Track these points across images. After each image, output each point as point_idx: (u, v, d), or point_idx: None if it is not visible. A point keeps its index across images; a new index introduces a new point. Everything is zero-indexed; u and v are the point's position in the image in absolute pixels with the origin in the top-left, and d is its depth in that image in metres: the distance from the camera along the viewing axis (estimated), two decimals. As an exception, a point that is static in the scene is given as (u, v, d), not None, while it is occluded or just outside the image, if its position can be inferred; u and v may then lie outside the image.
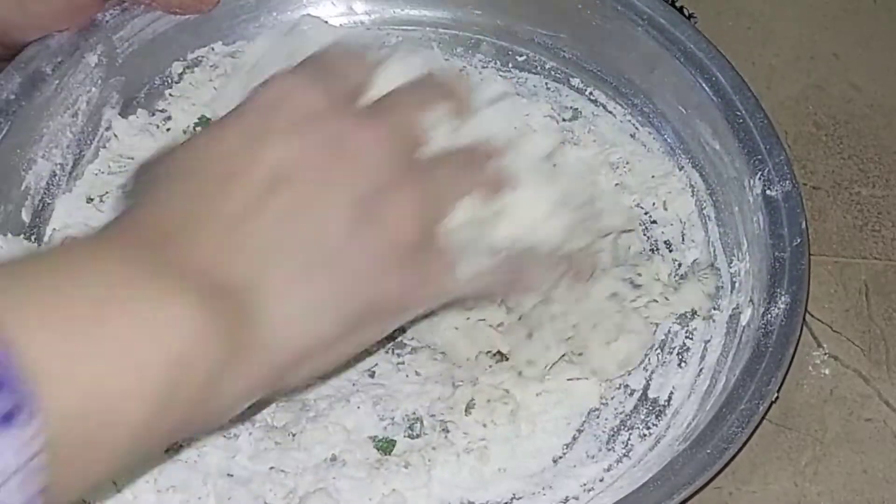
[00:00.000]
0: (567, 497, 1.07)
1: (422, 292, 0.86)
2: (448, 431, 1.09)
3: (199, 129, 1.25)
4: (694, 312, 1.15)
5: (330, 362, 0.83)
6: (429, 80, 0.89)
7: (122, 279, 0.69)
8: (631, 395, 1.13)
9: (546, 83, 1.30)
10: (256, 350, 0.73)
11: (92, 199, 1.22)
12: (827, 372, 1.16)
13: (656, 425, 1.11)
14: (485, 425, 1.09)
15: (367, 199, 0.78)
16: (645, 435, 1.11)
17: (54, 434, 0.62)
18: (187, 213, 0.74)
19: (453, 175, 0.85)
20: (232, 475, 1.04)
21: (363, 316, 0.80)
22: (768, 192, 1.14)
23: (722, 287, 1.17)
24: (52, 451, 0.62)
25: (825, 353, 1.17)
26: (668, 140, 1.26)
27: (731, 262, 1.18)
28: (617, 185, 1.21)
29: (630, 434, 1.11)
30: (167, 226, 0.74)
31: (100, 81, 1.24)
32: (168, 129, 1.26)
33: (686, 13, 1.33)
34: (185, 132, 1.26)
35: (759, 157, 1.16)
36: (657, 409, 1.12)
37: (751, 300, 1.12)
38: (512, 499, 1.07)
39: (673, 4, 1.31)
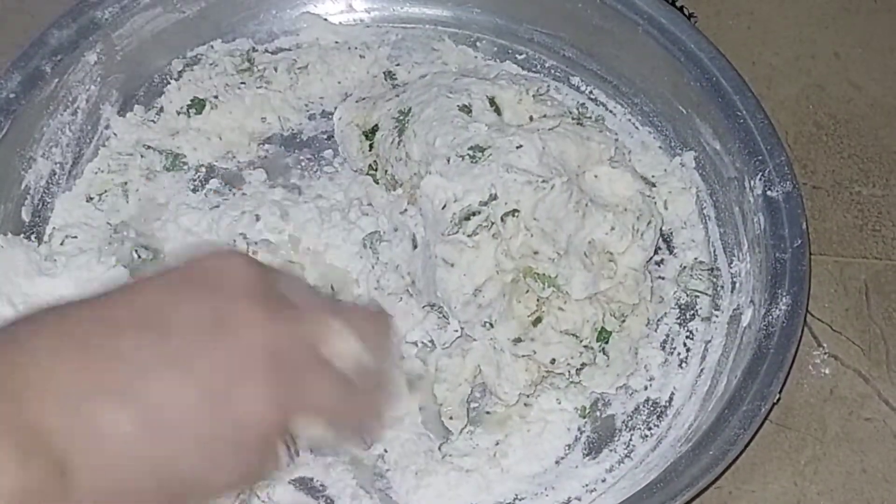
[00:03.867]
0: (569, 498, 1.08)
1: (240, 482, 0.81)
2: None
3: (191, 110, 1.26)
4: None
5: None
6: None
7: None
8: (632, 396, 1.13)
9: (546, 82, 1.29)
10: (59, 497, 0.71)
11: (92, 198, 1.22)
12: (827, 371, 1.16)
13: (657, 426, 1.11)
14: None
15: (238, 377, 0.76)
16: (646, 436, 1.11)
17: None
18: (46, 369, 0.72)
19: (341, 393, 0.82)
20: None
21: (172, 489, 0.77)
22: (769, 192, 1.14)
23: (722, 287, 1.18)
24: None
25: (825, 353, 1.17)
26: (669, 139, 1.26)
27: (731, 263, 1.18)
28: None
29: (632, 435, 1.11)
30: (13, 370, 0.72)
31: (99, 79, 1.24)
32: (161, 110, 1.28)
33: (686, 13, 1.33)
34: (178, 113, 1.26)
35: (760, 157, 1.16)
36: (658, 410, 1.13)
37: (751, 301, 1.12)
38: (515, 499, 1.08)
39: (673, 4, 1.31)
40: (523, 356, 1.07)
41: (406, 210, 1.15)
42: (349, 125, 1.22)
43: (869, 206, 1.26)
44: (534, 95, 1.18)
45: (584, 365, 1.09)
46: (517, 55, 1.32)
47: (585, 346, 1.08)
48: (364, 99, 1.24)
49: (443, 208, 1.09)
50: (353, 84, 1.30)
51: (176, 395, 0.74)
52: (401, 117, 1.17)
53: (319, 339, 0.80)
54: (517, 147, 1.11)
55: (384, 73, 1.30)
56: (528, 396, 1.10)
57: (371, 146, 1.20)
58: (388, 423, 0.92)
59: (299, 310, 0.80)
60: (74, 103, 1.23)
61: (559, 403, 1.11)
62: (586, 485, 1.08)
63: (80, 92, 1.23)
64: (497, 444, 1.09)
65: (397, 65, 1.31)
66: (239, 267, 0.80)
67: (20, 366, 0.72)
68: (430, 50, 1.32)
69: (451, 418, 1.10)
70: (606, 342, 1.09)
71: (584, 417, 1.12)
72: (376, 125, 1.20)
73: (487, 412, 1.11)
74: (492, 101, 1.17)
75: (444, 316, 1.11)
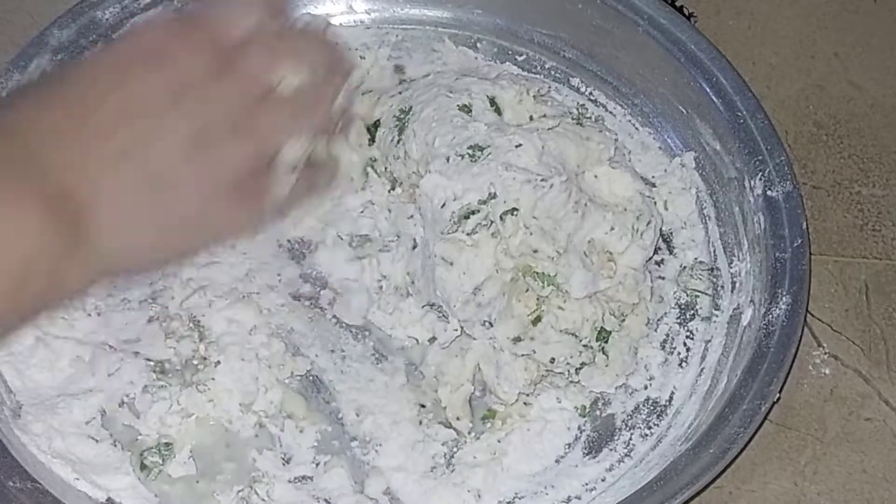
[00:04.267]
0: (569, 496, 1.08)
1: (238, 220, 0.96)
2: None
3: None
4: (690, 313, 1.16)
5: (156, 261, 0.99)
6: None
7: None
8: (632, 395, 1.13)
9: (547, 83, 1.29)
10: (89, 249, 0.84)
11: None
12: (827, 371, 1.16)
13: (657, 425, 1.11)
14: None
15: (207, 134, 0.89)
16: (646, 435, 1.11)
17: None
18: (52, 125, 0.85)
19: (290, 117, 0.94)
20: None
21: (184, 230, 0.92)
22: (769, 192, 1.14)
23: (722, 287, 1.18)
24: None
25: (825, 353, 1.17)
26: (669, 140, 1.26)
27: (731, 263, 1.18)
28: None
29: (631, 434, 1.11)
30: (33, 133, 0.85)
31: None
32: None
33: (686, 13, 1.33)
34: None
35: (760, 157, 1.16)
36: (658, 409, 1.13)
37: (751, 301, 1.13)
38: (514, 498, 1.08)
39: (673, 4, 1.31)
40: (523, 355, 1.07)
41: (411, 216, 1.15)
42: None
43: (869, 206, 1.26)
44: (534, 96, 1.17)
45: (583, 364, 1.09)
46: (517, 56, 1.32)
47: (585, 346, 1.08)
48: (370, 91, 1.25)
49: (442, 207, 1.09)
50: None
51: (167, 156, 0.87)
52: (401, 116, 1.17)
53: (262, 74, 0.92)
54: (516, 146, 1.10)
55: (394, 65, 1.30)
56: (527, 395, 1.10)
57: (371, 140, 1.20)
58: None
59: (237, 52, 0.91)
60: (75, 103, 1.22)
61: (559, 402, 1.11)
62: (586, 484, 1.08)
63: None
64: (498, 442, 1.10)
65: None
66: (172, 35, 0.92)
67: (37, 135, 0.84)
68: (431, 51, 1.32)
69: (457, 419, 1.10)
70: (606, 341, 1.09)
71: (584, 416, 1.11)
72: (378, 120, 1.20)
73: (488, 410, 1.11)
74: (492, 101, 1.16)
75: (443, 315, 1.11)
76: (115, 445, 1.08)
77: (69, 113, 0.87)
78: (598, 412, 1.12)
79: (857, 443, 1.13)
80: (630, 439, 1.11)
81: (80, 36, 1.22)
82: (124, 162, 0.86)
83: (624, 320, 1.11)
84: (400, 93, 1.21)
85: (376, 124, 1.20)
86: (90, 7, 1.24)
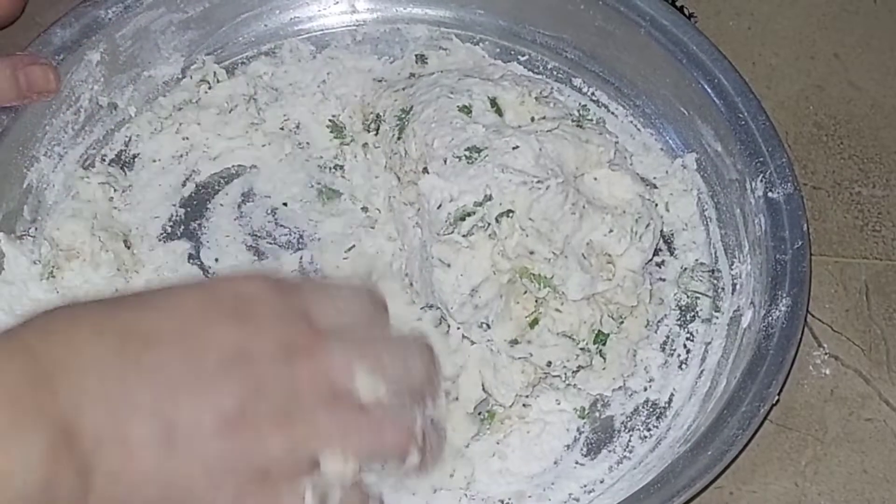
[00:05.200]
0: (568, 498, 1.08)
1: None
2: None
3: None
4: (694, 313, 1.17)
5: None
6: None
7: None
8: (631, 397, 1.14)
9: (550, 84, 1.28)
10: (81, 498, 0.75)
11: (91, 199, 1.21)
12: (827, 372, 1.16)
13: (657, 427, 1.12)
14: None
15: (250, 414, 0.79)
16: (645, 437, 1.11)
17: None
18: (92, 355, 0.77)
19: (348, 427, 0.83)
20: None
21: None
22: (770, 194, 1.15)
23: (722, 289, 1.18)
24: None
25: (826, 353, 1.17)
26: (670, 141, 1.26)
27: (732, 264, 1.18)
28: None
29: (630, 435, 1.12)
30: (66, 357, 0.76)
31: (102, 79, 1.24)
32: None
33: (686, 13, 1.33)
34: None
35: (761, 159, 1.16)
36: (658, 410, 1.13)
37: (751, 302, 1.13)
38: (513, 499, 1.08)
39: (673, 4, 1.31)
40: (520, 358, 1.08)
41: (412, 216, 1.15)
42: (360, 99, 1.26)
43: (869, 206, 1.26)
44: (536, 97, 1.18)
45: (580, 368, 1.09)
46: (519, 56, 1.32)
47: (582, 349, 1.08)
48: (382, 80, 1.27)
49: (438, 208, 1.10)
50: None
51: (200, 420, 0.78)
52: (402, 115, 1.18)
53: (339, 373, 0.83)
54: (513, 148, 1.11)
55: (416, 55, 1.31)
56: (526, 397, 1.10)
57: (377, 131, 1.21)
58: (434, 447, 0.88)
59: (323, 341, 0.83)
60: (77, 102, 1.23)
61: (558, 404, 1.12)
62: (585, 485, 1.09)
63: (82, 91, 1.23)
64: (497, 444, 1.10)
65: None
66: (266, 294, 0.84)
67: (59, 362, 0.76)
68: (438, 48, 1.32)
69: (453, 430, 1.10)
70: (604, 344, 1.09)
71: (584, 418, 1.12)
72: (379, 114, 1.21)
73: (487, 412, 1.11)
74: (493, 102, 1.17)
75: (442, 317, 1.11)
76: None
77: (111, 339, 0.78)
78: (597, 414, 1.13)
79: (858, 443, 1.13)
80: (629, 441, 1.11)
81: (83, 36, 1.22)
82: (150, 412, 0.77)
83: (622, 323, 1.11)
84: (404, 88, 1.22)
85: (378, 117, 1.21)
86: (93, 6, 1.24)
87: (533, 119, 1.17)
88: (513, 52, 1.32)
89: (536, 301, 1.08)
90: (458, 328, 1.10)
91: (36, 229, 1.19)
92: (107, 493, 0.76)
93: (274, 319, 0.82)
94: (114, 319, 0.80)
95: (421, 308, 1.13)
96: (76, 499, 0.75)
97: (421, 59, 1.30)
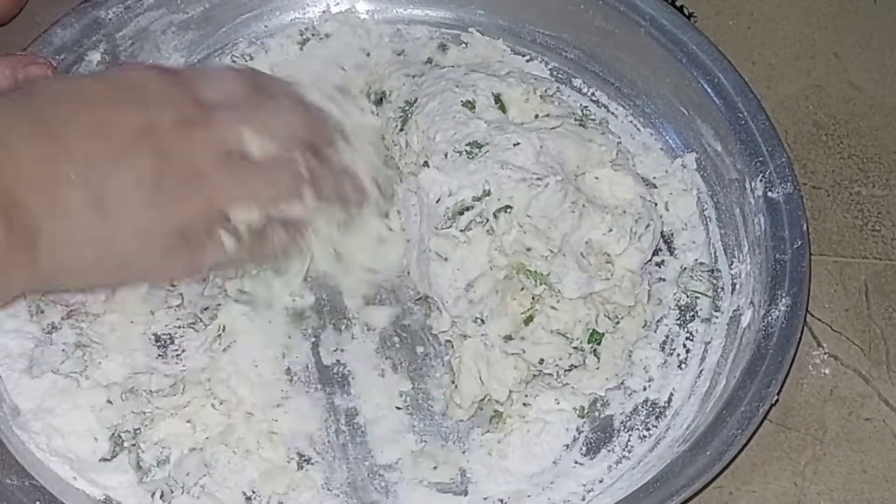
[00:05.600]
0: (567, 497, 1.08)
1: (175, 266, 1.01)
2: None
3: None
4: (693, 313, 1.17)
5: (90, 284, 1.06)
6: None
7: None
8: (631, 396, 1.14)
9: (555, 83, 1.28)
10: (32, 255, 0.89)
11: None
12: (827, 371, 1.16)
13: (656, 426, 1.12)
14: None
15: (162, 177, 0.94)
16: (645, 436, 1.11)
17: None
18: (18, 135, 0.90)
19: (247, 182, 1.01)
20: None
21: (121, 261, 0.96)
22: (770, 194, 1.15)
23: (722, 289, 1.18)
24: None
25: (825, 353, 1.17)
26: (670, 141, 1.26)
27: (731, 264, 1.18)
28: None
29: (630, 435, 1.12)
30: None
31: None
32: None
33: (686, 13, 1.33)
34: None
35: (761, 158, 1.16)
36: (657, 410, 1.13)
37: (751, 302, 1.13)
38: (513, 498, 1.08)
39: (673, 4, 1.31)
40: (513, 354, 1.08)
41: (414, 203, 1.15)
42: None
43: (869, 206, 1.26)
44: (541, 95, 1.18)
45: (572, 366, 1.09)
46: (520, 56, 1.32)
47: (575, 348, 1.08)
48: (402, 53, 1.30)
49: (437, 202, 1.10)
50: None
51: (124, 186, 0.93)
52: (406, 107, 1.18)
53: (229, 136, 0.98)
54: (514, 144, 1.11)
55: (438, 43, 1.32)
56: (525, 396, 1.11)
57: (378, 104, 1.22)
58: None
59: (211, 112, 0.99)
60: (77, 103, 1.23)
61: (557, 403, 1.11)
62: (584, 485, 1.09)
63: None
64: (497, 443, 1.10)
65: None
66: (157, 80, 0.99)
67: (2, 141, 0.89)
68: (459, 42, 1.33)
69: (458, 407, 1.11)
70: (599, 343, 1.09)
71: (583, 417, 1.12)
72: (384, 92, 1.22)
73: (494, 412, 1.11)
74: (497, 98, 1.17)
75: (437, 309, 1.12)
76: (114, 444, 1.08)
77: (38, 126, 0.91)
78: (596, 413, 1.12)
79: (857, 443, 1.13)
80: (628, 440, 1.11)
81: (83, 36, 1.23)
82: (80, 183, 0.91)
83: (618, 323, 1.11)
84: (413, 76, 1.22)
85: (383, 94, 1.22)
86: (94, 7, 1.24)
87: (537, 116, 1.17)
88: (513, 52, 1.32)
89: (532, 298, 1.08)
90: (454, 322, 1.10)
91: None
92: (50, 255, 0.90)
93: (167, 100, 0.97)
94: (40, 111, 0.92)
95: (417, 300, 1.16)
96: (21, 255, 0.88)
97: (443, 47, 1.31)
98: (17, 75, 1.16)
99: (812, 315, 1.19)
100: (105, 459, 1.07)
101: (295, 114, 1.05)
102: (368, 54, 1.31)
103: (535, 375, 1.10)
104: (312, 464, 1.09)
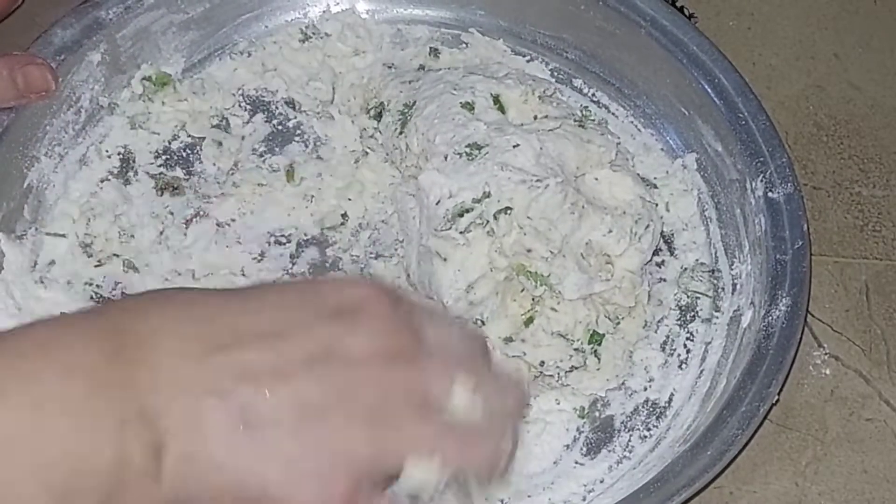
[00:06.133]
0: (567, 498, 1.08)
1: None
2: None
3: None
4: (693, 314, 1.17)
5: None
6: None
7: (59, 389, 0.72)
8: (631, 396, 1.14)
9: (553, 84, 1.29)
10: (156, 483, 0.74)
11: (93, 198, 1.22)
12: (827, 372, 1.17)
13: (657, 427, 1.12)
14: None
15: (336, 407, 0.76)
16: (645, 436, 1.12)
17: None
18: (174, 335, 0.76)
19: (440, 437, 0.80)
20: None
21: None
22: (770, 194, 1.15)
23: (723, 289, 1.18)
24: None
25: (826, 353, 1.17)
26: (671, 141, 1.26)
27: (732, 264, 1.18)
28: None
29: (630, 435, 1.12)
30: (136, 343, 0.75)
31: (102, 79, 1.24)
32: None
33: (686, 13, 1.33)
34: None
35: (762, 159, 1.16)
36: (658, 410, 1.13)
37: (751, 302, 1.13)
38: (513, 498, 1.08)
39: (673, 4, 1.31)
40: (513, 356, 1.08)
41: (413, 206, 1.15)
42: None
43: (869, 206, 1.26)
44: (539, 96, 1.18)
45: (573, 368, 1.09)
46: (520, 57, 1.32)
47: (576, 349, 1.08)
48: (392, 66, 1.29)
49: (437, 204, 1.10)
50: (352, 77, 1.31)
51: (277, 411, 0.75)
52: (405, 110, 1.18)
53: (438, 385, 0.79)
54: (514, 146, 1.11)
55: (430, 48, 1.32)
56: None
57: (378, 118, 1.22)
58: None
59: (426, 354, 0.80)
60: (77, 103, 1.23)
61: (558, 404, 1.12)
62: (585, 485, 1.09)
63: (83, 91, 1.23)
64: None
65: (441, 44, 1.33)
66: (375, 300, 0.80)
67: (141, 340, 0.74)
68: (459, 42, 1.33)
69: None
70: (599, 344, 1.09)
71: (583, 418, 1.12)
72: (383, 103, 1.21)
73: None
74: (496, 100, 1.17)
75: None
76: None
77: (201, 331, 0.77)
78: (597, 413, 1.13)
79: (858, 443, 1.13)
80: (629, 441, 1.11)
81: (84, 36, 1.22)
82: (229, 397, 0.75)
83: (619, 323, 1.11)
84: (410, 82, 1.22)
85: (382, 106, 1.22)
86: (94, 7, 1.23)
87: (536, 118, 1.18)
88: (513, 53, 1.32)
89: (533, 299, 1.08)
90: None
91: (36, 229, 1.19)
92: (178, 477, 0.74)
93: (378, 323, 0.79)
94: (205, 306, 0.78)
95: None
96: (146, 481, 0.73)
97: (434, 52, 1.31)
98: (16, 76, 1.16)
99: (813, 315, 1.19)
100: None
101: (512, 390, 0.84)
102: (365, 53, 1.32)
103: (535, 377, 1.10)
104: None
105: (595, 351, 1.09)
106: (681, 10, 1.32)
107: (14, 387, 0.70)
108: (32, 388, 0.71)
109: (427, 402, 0.78)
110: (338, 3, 1.33)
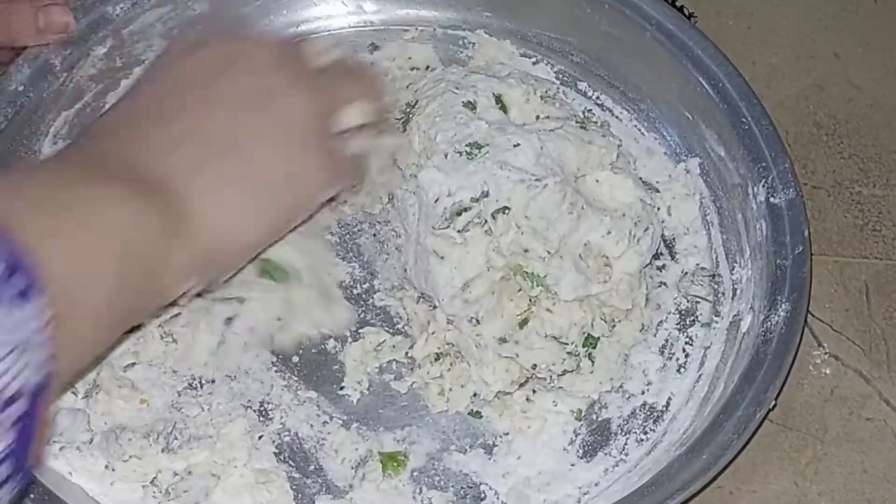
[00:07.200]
0: (562, 500, 1.08)
1: (321, 170, 1.01)
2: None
3: None
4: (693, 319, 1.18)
5: (253, 241, 1.00)
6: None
7: (80, 185, 0.87)
8: (629, 400, 1.14)
9: (556, 84, 1.29)
10: (188, 234, 0.90)
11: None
12: (827, 371, 1.17)
13: (653, 430, 1.12)
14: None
15: (266, 90, 0.97)
16: (642, 440, 1.12)
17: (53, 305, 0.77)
18: (132, 123, 0.95)
19: (339, 81, 1.05)
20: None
21: (273, 190, 0.97)
22: (772, 199, 1.15)
23: (723, 294, 1.19)
24: (52, 321, 0.77)
25: (826, 353, 1.18)
26: (674, 145, 1.27)
27: (732, 269, 1.19)
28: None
29: (627, 438, 1.12)
30: (122, 132, 0.94)
31: (108, 74, 1.25)
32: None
33: (686, 13, 1.33)
34: None
35: (764, 164, 1.17)
36: (655, 414, 1.13)
37: (751, 307, 1.13)
38: (507, 499, 1.08)
39: (673, 4, 1.31)
40: (506, 357, 1.09)
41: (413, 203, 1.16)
42: None
43: (869, 206, 1.27)
44: (542, 96, 1.18)
45: (565, 371, 1.10)
46: (526, 59, 1.32)
47: (569, 353, 1.08)
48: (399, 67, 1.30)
49: (435, 202, 1.10)
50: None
51: (233, 118, 0.96)
52: (407, 109, 1.19)
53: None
54: (514, 145, 1.11)
55: (436, 49, 1.33)
56: (525, 399, 1.12)
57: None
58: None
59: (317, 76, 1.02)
60: (82, 98, 1.23)
61: (555, 406, 1.12)
62: (580, 487, 1.09)
63: (88, 86, 1.24)
64: (494, 445, 1.11)
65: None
66: (265, 46, 1.01)
67: (124, 133, 0.95)
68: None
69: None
70: (594, 347, 1.10)
71: (580, 420, 1.12)
72: None
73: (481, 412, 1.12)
74: (498, 99, 1.17)
75: (434, 307, 1.12)
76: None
77: (146, 111, 0.95)
78: (594, 416, 1.13)
79: (858, 443, 1.14)
80: (625, 444, 1.11)
81: (90, 31, 1.23)
82: (202, 142, 0.93)
83: (615, 326, 1.11)
84: (409, 84, 1.23)
85: None
86: (101, 2, 1.24)
87: (538, 118, 1.18)
88: (519, 55, 1.32)
89: (529, 300, 1.08)
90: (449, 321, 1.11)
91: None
92: (204, 224, 0.92)
93: (278, 62, 0.99)
94: (151, 95, 0.98)
95: (416, 300, 1.15)
96: (175, 238, 0.89)
97: (441, 53, 1.32)
98: (39, 15, 1.19)
99: (812, 315, 1.19)
100: None
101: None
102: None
103: (528, 378, 1.11)
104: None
105: (589, 354, 1.10)
106: (680, 9, 1.32)
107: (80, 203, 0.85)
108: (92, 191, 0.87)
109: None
110: (345, 4, 1.34)
